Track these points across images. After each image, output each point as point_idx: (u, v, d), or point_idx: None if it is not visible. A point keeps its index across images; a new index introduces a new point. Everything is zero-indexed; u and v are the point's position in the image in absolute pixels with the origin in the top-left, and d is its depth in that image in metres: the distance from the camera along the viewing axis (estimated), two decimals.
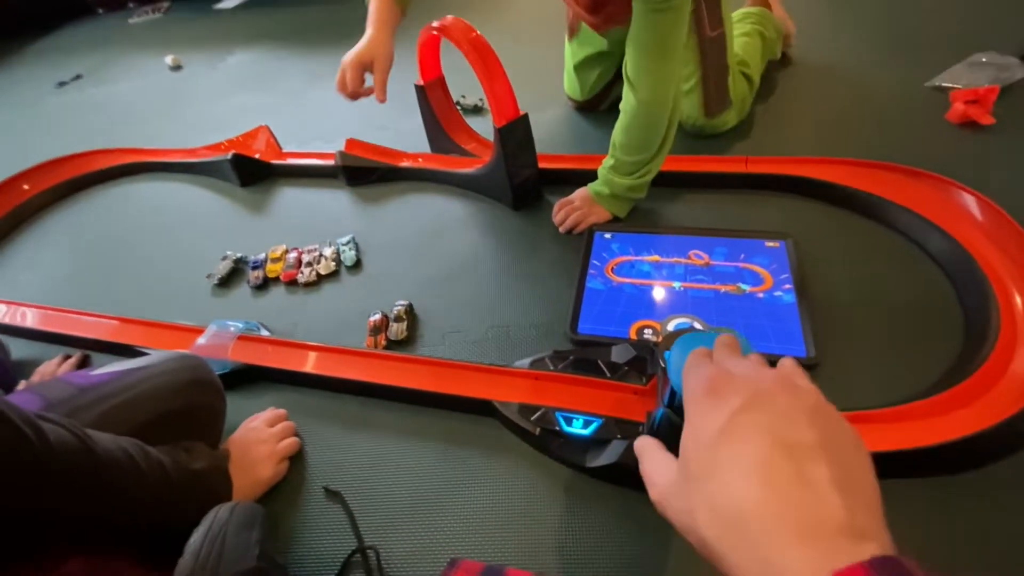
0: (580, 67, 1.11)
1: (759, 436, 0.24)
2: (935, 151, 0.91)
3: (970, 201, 0.77)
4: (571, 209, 0.90)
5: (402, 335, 0.79)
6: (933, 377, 0.62)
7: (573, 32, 1.10)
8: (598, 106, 1.17)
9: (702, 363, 0.32)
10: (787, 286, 0.74)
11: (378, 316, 0.81)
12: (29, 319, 0.94)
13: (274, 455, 0.65)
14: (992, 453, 0.55)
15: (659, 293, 0.77)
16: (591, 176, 0.97)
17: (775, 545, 0.21)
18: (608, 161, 0.87)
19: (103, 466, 0.45)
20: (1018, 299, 0.65)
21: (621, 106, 0.82)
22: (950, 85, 1.03)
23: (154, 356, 0.63)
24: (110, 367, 0.59)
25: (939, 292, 0.71)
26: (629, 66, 0.78)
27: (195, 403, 0.61)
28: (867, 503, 0.22)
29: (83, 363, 0.87)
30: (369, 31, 0.80)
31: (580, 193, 0.91)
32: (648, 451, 0.31)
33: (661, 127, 0.81)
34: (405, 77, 1.08)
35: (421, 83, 1.02)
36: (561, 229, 0.90)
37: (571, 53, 1.12)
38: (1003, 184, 0.78)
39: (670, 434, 0.37)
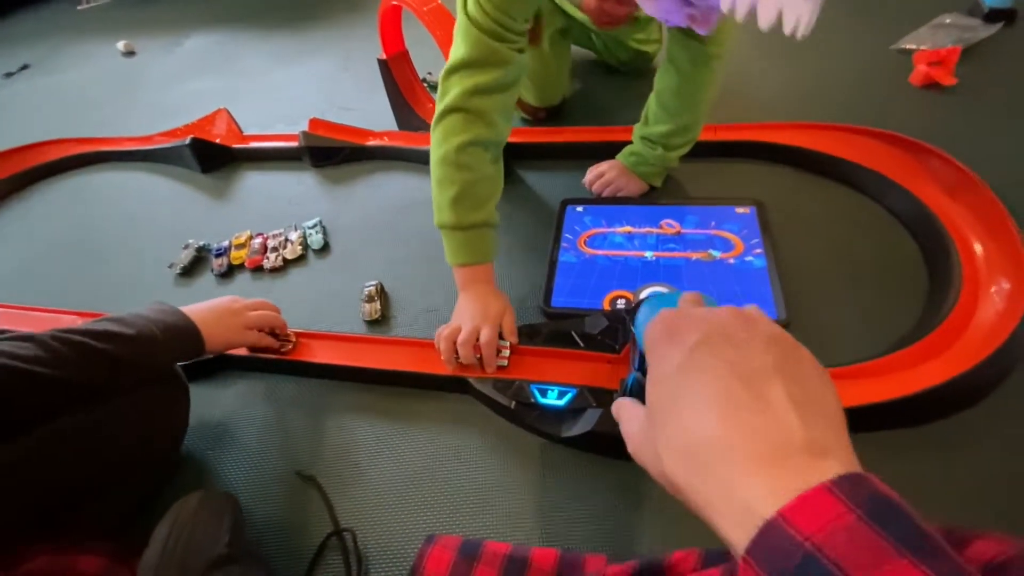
0: (558, 73, 1.03)
1: (714, 367, 0.24)
2: (899, 113, 0.92)
3: (932, 160, 0.77)
4: (606, 182, 0.87)
5: (376, 314, 0.77)
6: (901, 332, 0.63)
7: (538, 38, 0.98)
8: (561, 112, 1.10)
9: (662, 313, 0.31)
10: (757, 251, 0.74)
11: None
12: None
13: (245, 319, 0.67)
14: (959, 402, 0.56)
15: (631, 264, 0.77)
16: (560, 149, 0.96)
17: (737, 474, 0.20)
18: (652, 131, 0.82)
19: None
20: (979, 252, 0.66)
21: (666, 75, 0.77)
22: (915, 47, 1.04)
23: None
24: None
25: (904, 250, 0.72)
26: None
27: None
28: (828, 420, 0.22)
29: None
30: (480, 291, 0.67)
31: (614, 165, 0.87)
32: (622, 409, 0.31)
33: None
34: (371, 53, 1.05)
35: (384, 57, 0.98)
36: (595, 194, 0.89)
37: (538, 58, 0.99)
38: (964, 143, 0.79)
39: (642, 397, 0.37)
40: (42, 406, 0.49)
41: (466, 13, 0.62)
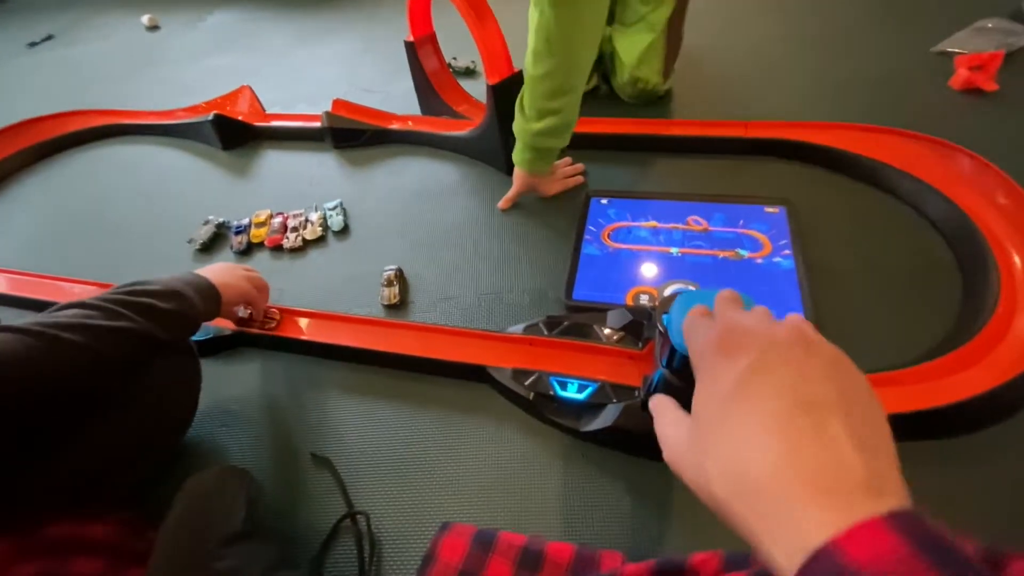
0: None
1: (774, 393, 0.23)
2: (937, 117, 0.89)
3: (971, 165, 0.75)
4: (507, 198, 0.88)
5: (395, 299, 0.77)
6: (932, 342, 0.61)
7: None
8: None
9: (706, 321, 0.31)
10: (786, 252, 0.73)
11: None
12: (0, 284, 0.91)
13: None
14: (990, 417, 0.54)
15: (656, 259, 0.75)
16: (587, 138, 0.94)
17: (792, 504, 0.20)
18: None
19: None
20: (1018, 263, 0.64)
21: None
22: (955, 51, 1.01)
23: None
24: None
25: (939, 257, 0.70)
26: None
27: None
28: (886, 457, 0.22)
29: None
30: None
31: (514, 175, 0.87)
32: (663, 409, 0.30)
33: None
34: (395, 35, 1.04)
35: (411, 39, 0.97)
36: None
37: None
38: (1005, 149, 0.77)
39: (668, 394, 0.36)
40: (119, 358, 0.51)
41: None
